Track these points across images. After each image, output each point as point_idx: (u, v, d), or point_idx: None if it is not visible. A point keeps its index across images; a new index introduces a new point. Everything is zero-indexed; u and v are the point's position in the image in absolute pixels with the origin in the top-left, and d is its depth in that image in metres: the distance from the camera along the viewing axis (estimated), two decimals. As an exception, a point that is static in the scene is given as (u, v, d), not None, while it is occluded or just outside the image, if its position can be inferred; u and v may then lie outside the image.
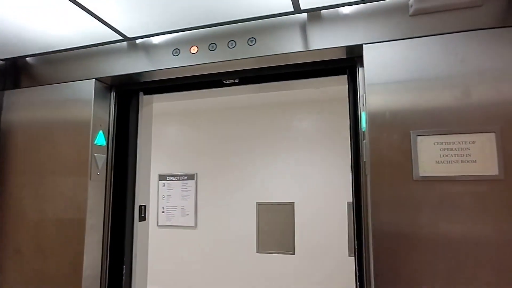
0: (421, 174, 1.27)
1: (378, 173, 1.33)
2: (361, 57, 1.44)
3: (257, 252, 3.54)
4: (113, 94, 1.92)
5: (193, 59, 1.67)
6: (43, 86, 1.93)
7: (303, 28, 1.52)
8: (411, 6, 1.38)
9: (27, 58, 1.98)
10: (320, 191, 3.30)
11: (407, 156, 1.30)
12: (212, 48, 1.64)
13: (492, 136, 1.22)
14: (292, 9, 1.46)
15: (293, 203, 3.47)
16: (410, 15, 1.39)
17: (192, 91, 1.97)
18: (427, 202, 1.26)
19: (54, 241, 1.76)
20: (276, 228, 3.53)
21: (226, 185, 3.61)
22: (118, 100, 1.95)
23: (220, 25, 1.62)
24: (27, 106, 1.95)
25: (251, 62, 1.62)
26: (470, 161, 1.23)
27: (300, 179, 3.39)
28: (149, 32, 1.67)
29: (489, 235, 1.18)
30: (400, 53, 1.38)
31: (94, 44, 1.77)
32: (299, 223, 3.38)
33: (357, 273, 1.49)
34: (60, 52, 1.87)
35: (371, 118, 1.37)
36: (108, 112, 1.92)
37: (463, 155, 1.24)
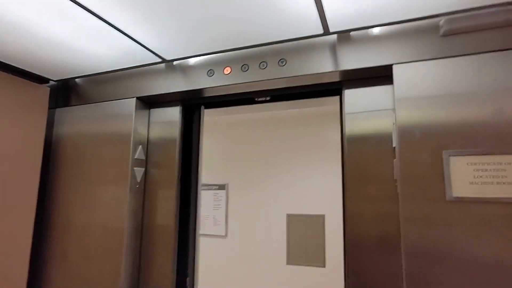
0: (454, 195, 1.26)
1: (409, 192, 1.33)
2: (385, 76, 1.47)
3: (287, 264, 3.56)
4: (179, 109, 2.00)
5: (226, 79, 1.76)
6: (89, 104, 2.11)
7: (332, 49, 1.56)
8: (442, 26, 1.38)
9: (76, 79, 2.17)
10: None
11: (440, 176, 1.29)
12: (244, 69, 1.73)
13: (530, 157, 1.19)
14: (322, 32, 1.51)
15: (324, 215, 3.47)
16: (441, 36, 1.39)
17: (226, 108, 2.06)
18: (461, 224, 1.24)
19: (98, 247, 1.90)
20: (306, 240, 3.52)
21: (257, 196, 3.67)
22: (183, 115, 2.05)
23: (252, 48, 1.70)
24: (75, 122, 2.13)
25: (282, 81, 1.68)
26: (506, 183, 1.20)
27: (331, 190, 3.38)
28: (186, 54, 1.78)
29: (527, 260, 1.15)
30: (431, 72, 1.38)
31: (135, 66, 1.91)
32: (330, 235, 3.36)
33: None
34: (105, 73, 2.04)
35: (402, 135, 1.37)
36: (147, 128, 2.06)
37: (499, 177, 1.22)
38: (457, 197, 1.26)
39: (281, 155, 3.63)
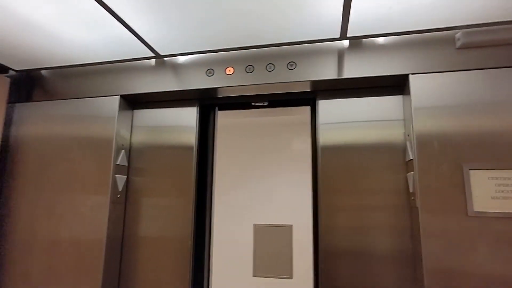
0: (475, 210, 1.24)
1: (429, 206, 1.28)
2: (399, 86, 1.44)
3: (253, 276, 3.41)
4: (196, 109, 1.77)
5: (228, 80, 1.61)
6: (60, 100, 1.83)
7: (349, 55, 1.50)
8: (458, 39, 1.38)
9: (43, 71, 1.88)
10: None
11: (460, 190, 1.27)
12: (249, 70, 1.60)
13: (548, 173, 1.20)
14: (338, 36, 1.44)
15: (291, 225, 3.39)
16: (457, 48, 1.39)
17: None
18: (483, 240, 1.22)
19: (69, 267, 1.62)
20: (273, 251, 3.42)
21: (223, 206, 3.50)
22: (200, 117, 1.82)
23: (258, 48, 1.58)
24: (41, 120, 1.83)
25: (291, 86, 1.58)
26: (527, 198, 1.20)
27: (299, 200, 3.32)
28: (183, 50, 1.61)
29: (550, 276, 1.15)
30: (446, 84, 1.36)
31: (123, 59, 1.69)
32: (297, 246, 3.29)
33: None
34: (84, 66, 1.78)
35: (420, 146, 1.33)
36: (130, 131, 1.83)
37: (520, 192, 1.21)
38: (479, 212, 1.23)
39: (248, 164, 3.51)
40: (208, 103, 1.81)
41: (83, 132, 1.75)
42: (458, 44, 1.38)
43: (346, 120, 1.57)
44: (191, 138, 1.74)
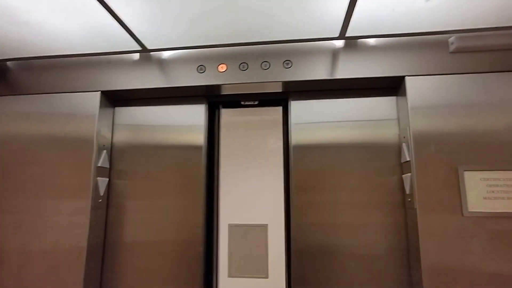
0: (470, 210, 1.28)
1: (426, 208, 1.31)
2: (393, 87, 1.48)
3: (228, 277, 3.37)
4: (205, 107, 1.67)
5: (221, 78, 1.54)
6: (31, 95, 1.65)
7: (345, 55, 1.48)
8: (452, 43, 1.41)
9: (8, 62, 1.69)
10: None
11: (456, 191, 1.30)
12: (243, 67, 1.53)
13: (535, 174, 1.26)
14: (337, 35, 1.42)
15: (267, 224, 3.39)
16: (451, 52, 1.42)
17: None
18: (477, 239, 1.26)
19: (44, 280, 1.47)
20: (249, 251, 3.40)
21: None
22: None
23: (253, 45, 1.52)
24: (6, 117, 1.64)
25: (287, 85, 1.54)
26: (516, 198, 1.26)
27: (273, 200, 3.32)
28: (173, 45, 1.51)
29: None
30: (440, 87, 1.39)
31: (105, 52, 1.55)
32: (273, 245, 3.29)
33: None
34: (59, 57, 1.62)
35: (417, 148, 1.35)
36: (111, 130, 1.69)
37: (510, 192, 1.27)
38: (473, 212, 1.28)
39: (223, 163, 3.45)
40: (202, 101, 1.71)
41: (58, 130, 1.59)
42: (452, 48, 1.41)
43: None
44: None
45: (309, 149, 1.55)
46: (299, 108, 1.60)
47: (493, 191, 1.28)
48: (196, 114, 1.66)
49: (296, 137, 1.57)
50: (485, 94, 1.37)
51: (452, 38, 1.42)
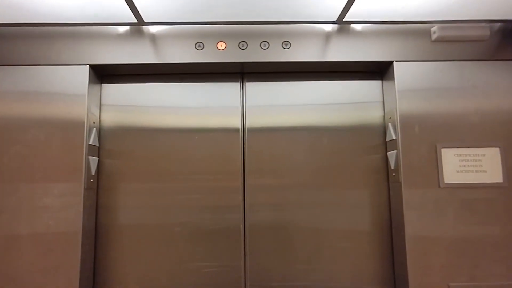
0: (446, 182, 1.47)
1: (410, 182, 1.47)
2: (379, 72, 1.62)
3: None
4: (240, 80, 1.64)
5: (220, 56, 1.53)
6: (9, 66, 1.49)
7: (340, 39, 1.56)
8: (434, 32, 1.55)
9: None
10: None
11: (434, 165, 1.48)
12: (242, 46, 1.54)
13: (497, 150, 1.49)
14: (335, 19, 1.48)
15: None
16: (433, 41, 1.56)
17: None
18: (451, 208, 1.46)
19: (34, 266, 1.41)
20: None
21: None
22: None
23: (252, 24, 1.53)
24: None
25: (284, 65, 1.58)
26: (482, 171, 1.48)
27: None
28: (169, 19, 1.46)
29: (498, 234, 1.44)
30: (423, 72, 1.54)
31: (98, 23, 1.45)
32: None
33: None
34: (45, 26, 1.47)
35: (403, 127, 1.50)
36: (99, 107, 1.61)
37: (477, 166, 1.48)
38: (448, 184, 1.47)
39: None
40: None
41: (43, 107, 1.48)
42: (434, 37, 1.56)
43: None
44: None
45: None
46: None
47: (464, 166, 1.48)
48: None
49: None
50: (461, 80, 1.54)
51: (434, 28, 1.56)
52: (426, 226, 1.45)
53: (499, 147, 1.49)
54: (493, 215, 1.46)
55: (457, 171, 1.48)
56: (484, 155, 1.49)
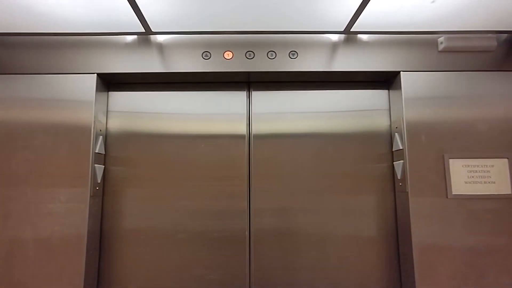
0: (453, 193, 1.45)
1: (417, 192, 1.46)
2: (386, 81, 1.61)
3: None
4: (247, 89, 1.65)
5: (227, 65, 1.54)
6: (19, 75, 1.51)
7: (346, 49, 1.56)
8: (441, 43, 1.56)
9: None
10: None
11: (441, 176, 1.47)
12: (249, 56, 1.54)
13: (505, 161, 1.47)
14: (342, 29, 1.48)
15: None
16: (439, 51, 1.56)
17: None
18: (458, 218, 1.44)
19: (36, 271, 1.40)
20: None
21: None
22: None
23: (260, 34, 1.54)
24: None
25: (291, 75, 1.58)
26: (490, 182, 1.46)
27: None
28: (179, 29, 1.47)
29: (506, 245, 1.43)
30: (430, 83, 1.54)
31: (105, 33, 1.46)
32: None
33: None
34: (54, 36, 1.49)
35: (410, 137, 1.49)
36: (106, 115, 1.61)
37: (485, 177, 1.46)
38: (456, 195, 1.46)
39: None
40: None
41: (51, 114, 1.48)
42: (441, 47, 1.56)
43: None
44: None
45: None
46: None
47: (472, 177, 1.47)
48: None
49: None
50: (468, 90, 1.54)
51: (441, 38, 1.56)
52: (433, 235, 1.43)
53: (508, 158, 1.48)
54: (501, 225, 1.44)
55: (465, 182, 1.47)
56: (492, 166, 1.48)
